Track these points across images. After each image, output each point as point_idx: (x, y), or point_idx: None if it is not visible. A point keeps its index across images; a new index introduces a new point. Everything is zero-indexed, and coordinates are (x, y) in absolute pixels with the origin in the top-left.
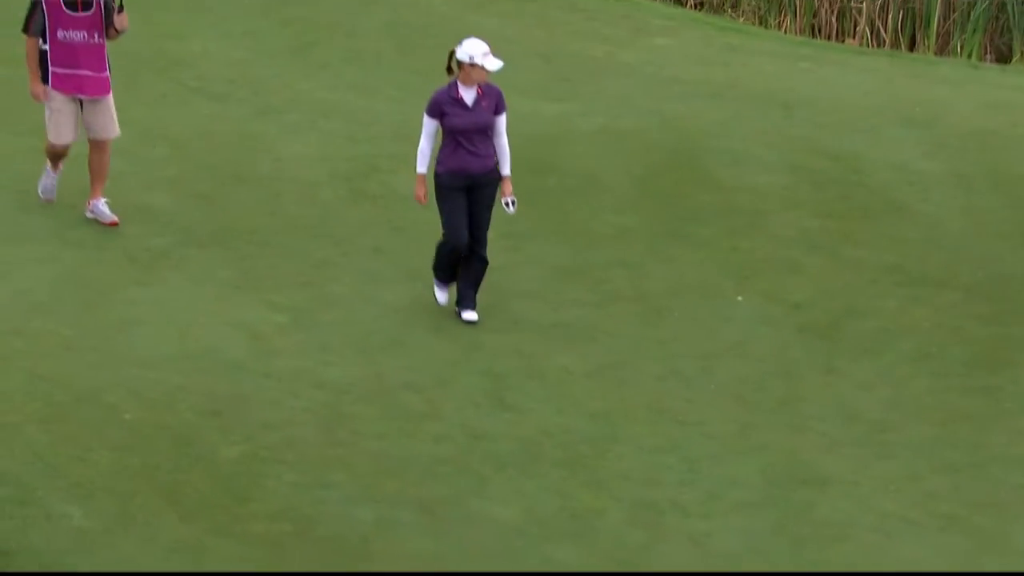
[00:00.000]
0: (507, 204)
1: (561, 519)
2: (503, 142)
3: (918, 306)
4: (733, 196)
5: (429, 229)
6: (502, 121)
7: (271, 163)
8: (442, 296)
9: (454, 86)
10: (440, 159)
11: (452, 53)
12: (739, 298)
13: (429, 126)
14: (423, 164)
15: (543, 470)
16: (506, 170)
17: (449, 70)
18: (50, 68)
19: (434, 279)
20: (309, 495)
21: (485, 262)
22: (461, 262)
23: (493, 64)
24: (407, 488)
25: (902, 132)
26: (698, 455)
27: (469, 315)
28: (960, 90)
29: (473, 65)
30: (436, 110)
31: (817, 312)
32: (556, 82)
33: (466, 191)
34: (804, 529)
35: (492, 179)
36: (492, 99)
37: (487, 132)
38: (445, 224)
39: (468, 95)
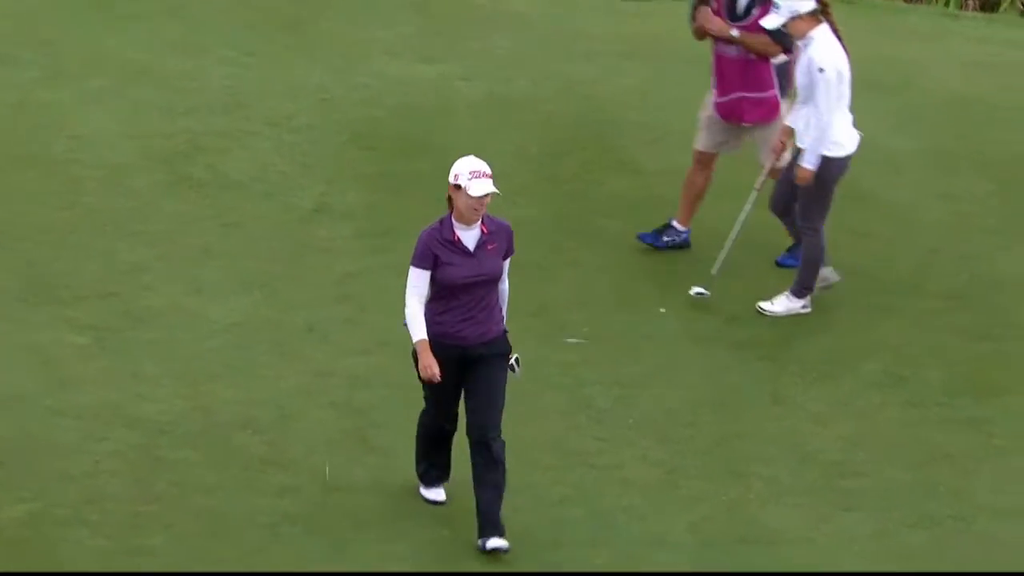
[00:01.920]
0: (512, 367)
1: None
2: (504, 287)
3: (886, 318)
4: (654, 182)
5: (269, 224)
6: (506, 265)
7: (66, 142)
8: (433, 494)
9: (447, 223)
10: (426, 319)
11: None
12: (662, 310)
13: (418, 281)
14: (419, 329)
15: (416, 530)
16: (503, 320)
17: (449, 200)
18: None
19: (416, 473)
20: (118, 564)
21: (502, 454)
22: (473, 469)
23: (478, 188)
24: (244, 555)
25: (864, 100)
26: (613, 508)
27: (496, 542)
28: (936, 46)
29: (458, 187)
30: (427, 258)
31: (760, 327)
32: (430, 38)
33: (459, 364)
34: None
35: (502, 349)
36: (501, 240)
37: (492, 285)
38: (429, 406)
39: (468, 236)
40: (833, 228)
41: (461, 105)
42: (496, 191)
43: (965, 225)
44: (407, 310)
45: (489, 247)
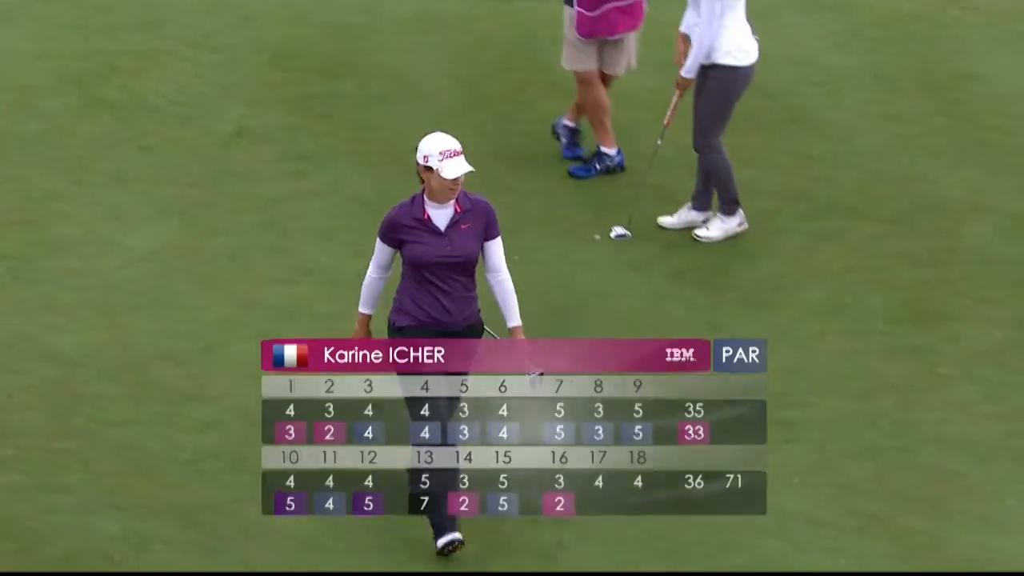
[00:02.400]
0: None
1: (370, 530)
2: (502, 278)
3: (827, 243)
4: None
5: (187, 149)
6: (497, 251)
7: None
8: (447, 537)
9: (418, 200)
10: (399, 304)
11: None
12: (596, 236)
13: (381, 255)
14: (367, 302)
15: None
16: (515, 319)
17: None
18: None
19: (430, 519)
20: (34, 503)
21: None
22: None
23: (452, 169)
24: (164, 492)
25: (805, 17)
26: (549, 444)
27: (447, 537)
28: None
29: (428, 169)
30: (392, 235)
31: (697, 253)
32: None
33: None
34: (682, 537)
35: (475, 335)
36: (478, 220)
37: (468, 268)
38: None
39: (440, 215)
40: (772, 150)
41: (388, 24)
42: (471, 169)
43: (908, 146)
44: (365, 279)
45: (463, 227)
